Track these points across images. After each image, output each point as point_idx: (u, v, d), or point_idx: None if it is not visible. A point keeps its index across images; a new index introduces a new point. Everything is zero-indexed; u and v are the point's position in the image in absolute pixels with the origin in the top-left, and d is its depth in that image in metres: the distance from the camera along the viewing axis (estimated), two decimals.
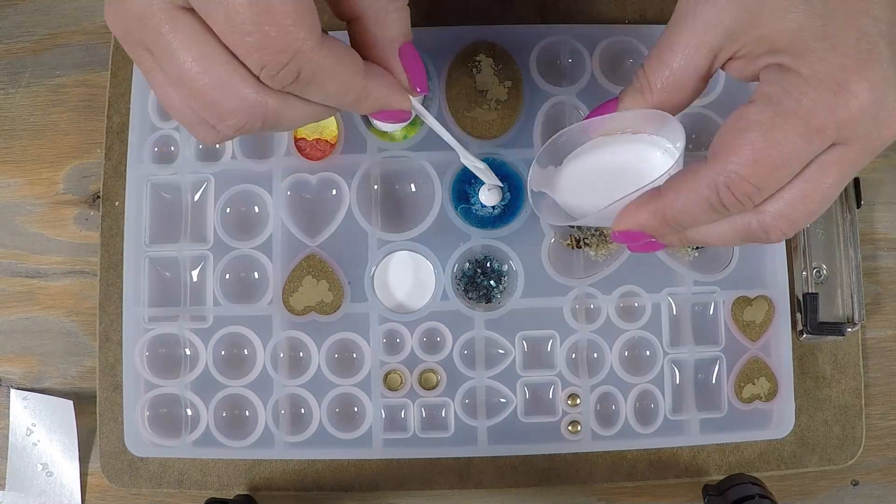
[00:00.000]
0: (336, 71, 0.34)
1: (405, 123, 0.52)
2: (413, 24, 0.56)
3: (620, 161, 0.41)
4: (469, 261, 0.54)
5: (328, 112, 0.37)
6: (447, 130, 0.45)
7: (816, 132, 0.33)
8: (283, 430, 0.53)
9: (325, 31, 0.33)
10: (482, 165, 0.48)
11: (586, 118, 0.41)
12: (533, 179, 0.43)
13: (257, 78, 0.32)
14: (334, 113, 0.38)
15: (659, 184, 0.38)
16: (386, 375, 0.54)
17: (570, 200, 0.43)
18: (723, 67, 0.37)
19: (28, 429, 0.55)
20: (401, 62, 0.38)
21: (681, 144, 0.38)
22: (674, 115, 0.38)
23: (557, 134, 0.42)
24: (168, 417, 0.54)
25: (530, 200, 0.44)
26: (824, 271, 0.54)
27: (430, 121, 0.43)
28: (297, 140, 0.53)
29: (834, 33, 0.32)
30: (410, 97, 0.39)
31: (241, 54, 0.31)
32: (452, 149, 0.54)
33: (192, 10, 0.31)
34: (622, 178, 0.40)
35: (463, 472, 0.54)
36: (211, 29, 0.31)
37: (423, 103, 0.49)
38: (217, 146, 0.55)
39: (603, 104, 0.40)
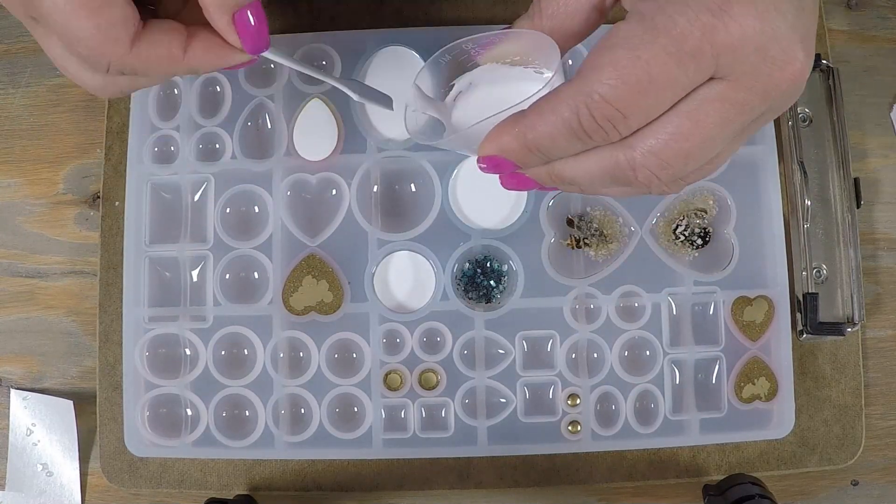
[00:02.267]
0: (151, 62, 0.36)
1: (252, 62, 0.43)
2: (412, 25, 0.56)
3: (505, 93, 0.39)
4: (469, 261, 0.54)
5: (168, 77, 0.40)
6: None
7: (690, 57, 0.30)
8: (283, 430, 0.53)
9: (151, 20, 0.36)
10: (372, 93, 0.44)
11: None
12: (413, 100, 0.40)
13: None
14: (183, 74, 0.40)
15: (524, 107, 0.34)
16: (386, 375, 0.54)
17: (456, 116, 0.40)
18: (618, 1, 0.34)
19: (28, 429, 0.55)
20: (235, 27, 0.36)
21: (555, 66, 0.35)
22: (567, 47, 0.36)
23: (441, 50, 0.39)
24: (168, 417, 0.54)
25: (405, 119, 0.40)
26: (824, 271, 0.54)
27: (292, 63, 0.40)
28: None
29: None
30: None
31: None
32: (451, 149, 0.54)
33: None
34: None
35: (463, 472, 0.54)
36: None
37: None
38: (217, 145, 0.55)
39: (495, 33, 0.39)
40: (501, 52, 0.39)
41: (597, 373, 0.53)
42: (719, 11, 0.30)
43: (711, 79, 0.31)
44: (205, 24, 0.36)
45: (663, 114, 0.32)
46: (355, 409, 0.54)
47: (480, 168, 0.36)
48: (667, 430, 0.53)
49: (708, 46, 0.30)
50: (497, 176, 0.37)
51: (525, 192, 0.54)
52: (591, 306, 0.54)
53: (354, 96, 0.43)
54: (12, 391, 0.55)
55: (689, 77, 0.30)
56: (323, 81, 0.55)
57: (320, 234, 0.54)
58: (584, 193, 0.38)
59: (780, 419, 0.53)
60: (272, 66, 0.56)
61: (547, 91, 0.33)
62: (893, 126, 0.57)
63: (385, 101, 0.45)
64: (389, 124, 0.55)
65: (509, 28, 0.38)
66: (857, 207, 0.54)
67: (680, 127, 0.31)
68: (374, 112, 0.55)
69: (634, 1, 0.32)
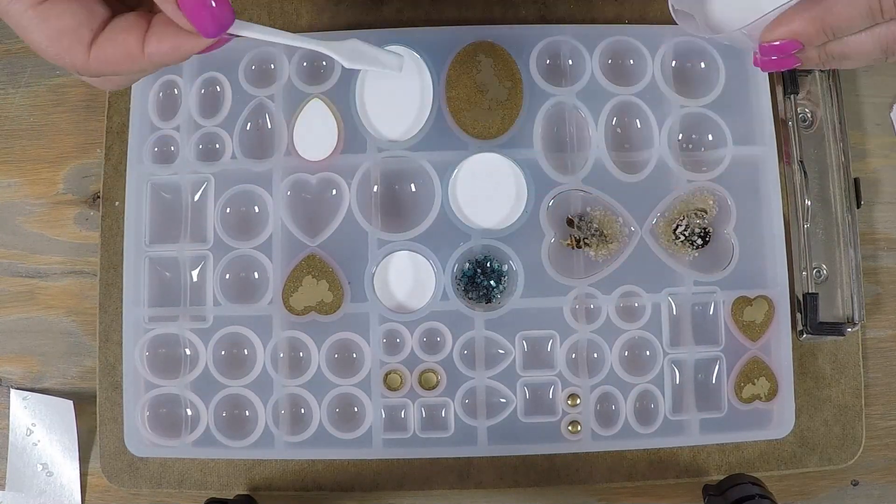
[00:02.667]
0: (111, 64, 0.36)
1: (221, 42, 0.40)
2: (413, 25, 0.56)
3: None
4: (469, 261, 0.54)
5: (144, 72, 0.39)
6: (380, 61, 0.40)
7: None
8: (283, 430, 0.53)
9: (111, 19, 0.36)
10: (372, 52, 0.41)
11: None
12: None
13: None
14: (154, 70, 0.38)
15: None
16: (386, 375, 0.54)
17: (717, 15, 0.41)
18: None
19: (28, 429, 0.55)
20: (183, 13, 0.34)
21: None
22: None
23: None
24: (168, 417, 0.54)
25: (673, 14, 0.41)
26: (824, 271, 0.54)
27: (266, 35, 0.38)
28: None
29: None
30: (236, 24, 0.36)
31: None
32: (453, 148, 0.55)
33: None
34: None
35: (463, 472, 0.54)
36: None
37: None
38: (217, 145, 0.55)
39: None
40: None
41: (597, 373, 0.53)
42: None
43: None
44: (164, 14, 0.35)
45: None
46: (355, 409, 0.54)
47: (760, 55, 0.38)
48: (667, 430, 0.53)
49: None
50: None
51: (525, 193, 0.54)
52: (591, 306, 0.54)
53: (345, 62, 0.40)
54: (12, 391, 0.55)
55: None
56: (322, 81, 0.55)
57: (320, 234, 0.54)
58: (846, 67, 0.40)
59: (780, 419, 0.53)
60: (272, 65, 0.56)
61: None
62: (893, 126, 0.57)
63: (390, 61, 0.41)
64: (390, 124, 0.55)
65: None
66: (857, 207, 0.54)
67: None
68: (375, 112, 0.55)
69: None
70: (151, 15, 0.36)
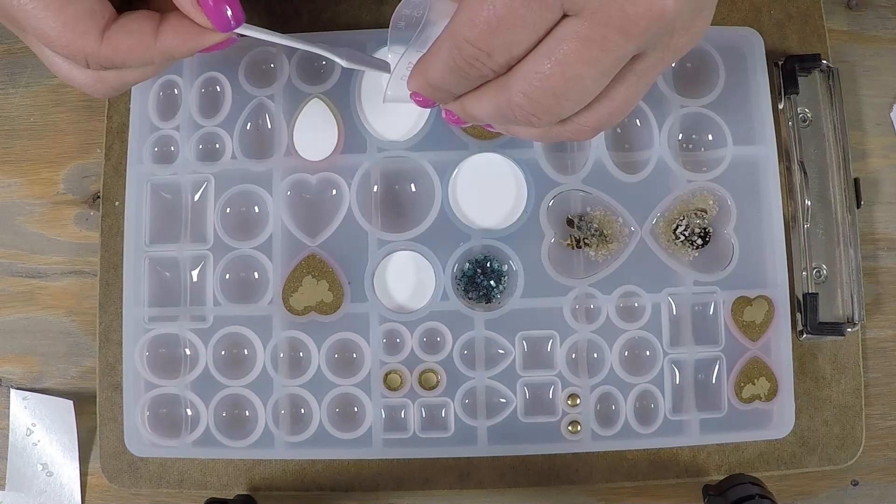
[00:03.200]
0: (124, 52, 0.36)
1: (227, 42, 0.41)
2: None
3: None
4: (469, 261, 0.54)
5: (158, 67, 0.40)
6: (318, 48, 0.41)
7: None
8: (283, 430, 0.53)
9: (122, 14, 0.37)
10: (366, 58, 0.43)
11: None
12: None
13: None
14: (166, 65, 0.40)
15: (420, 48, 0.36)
16: (386, 375, 0.54)
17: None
18: None
19: (28, 429, 0.55)
20: (201, 8, 0.36)
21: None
22: None
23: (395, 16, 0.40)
24: (168, 417, 0.54)
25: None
26: (824, 271, 0.54)
27: (271, 37, 0.39)
28: None
29: None
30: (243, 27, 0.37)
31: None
32: (453, 148, 0.54)
33: None
34: None
35: (463, 472, 0.54)
36: None
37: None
38: (217, 145, 0.55)
39: None
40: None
41: (597, 373, 0.53)
42: None
43: (567, 16, 0.31)
44: (176, 9, 0.36)
45: (529, 53, 0.32)
46: (355, 409, 0.54)
47: (415, 102, 0.38)
48: (667, 430, 0.53)
49: None
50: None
51: (525, 193, 0.54)
52: (591, 306, 0.54)
53: (343, 62, 0.42)
54: (12, 391, 0.55)
55: (537, 15, 0.31)
56: (322, 81, 0.55)
57: (320, 234, 0.54)
58: (501, 132, 0.39)
59: (780, 419, 0.53)
60: (272, 65, 0.56)
61: (422, 26, 0.36)
62: (893, 126, 0.57)
63: (381, 65, 0.43)
64: (390, 124, 0.55)
65: None
66: (858, 207, 0.54)
67: (541, 66, 0.32)
68: (375, 112, 0.55)
69: None
70: (160, 13, 0.37)
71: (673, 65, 0.56)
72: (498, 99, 0.34)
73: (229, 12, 0.35)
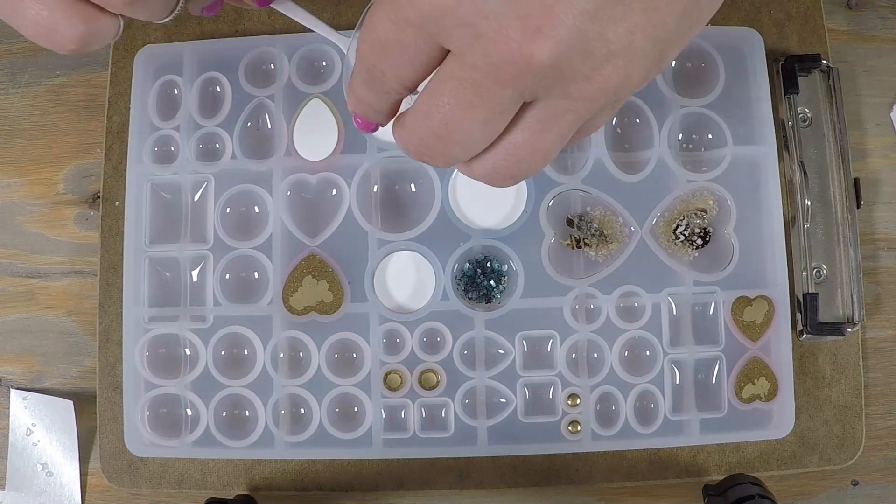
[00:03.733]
0: None
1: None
2: None
3: None
4: (469, 261, 0.54)
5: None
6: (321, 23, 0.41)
7: (404, 20, 0.28)
8: (283, 430, 0.53)
9: None
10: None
11: None
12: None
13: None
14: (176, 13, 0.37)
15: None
16: (386, 375, 0.54)
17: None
18: None
19: (28, 429, 0.55)
20: None
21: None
22: None
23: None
24: (168, 417, 0.54)
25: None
26: (824, 271, 0.54)
27: (300, 17, 0.40)
28: None
29: None
30: None
31: None
32: None
33: None
34: None
35: (463, 472, 0.54)
36: None
37: None
38: (217, 145, 0.55)
39: None
40: None
41: (597, 373, 0.53)
42: None
43: (450, 51, 0.29)
44: None
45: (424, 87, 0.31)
46: (355, 409, 0.54)
47: (355, 123, 0.36)
48: (667, 430, 0.53)
49: (413, 14, 0.28)
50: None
51: (525, 193, 0.54)
52: (591, 306, 0.54)
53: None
54: (12, 391, 0.55)
55: (414, 44, 0.29)
56: (322, 81, 0.55)
57: (320, 234, 0.54)
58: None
59: (780, 419, 0.53)
60: (272, 65, 0.56)
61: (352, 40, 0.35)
62: (893, 126, 0.57)
63: None
64: (389, 124, 0.55)
65: None
66: (857, 207, 0.54)
67: (423, 104, 0.30)
68: None
69: None
70: None
71: (673, 64, 0.56)
72: (397, 130, 0.33)
73: None
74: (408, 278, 0.54)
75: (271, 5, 0.36)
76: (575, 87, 0.29)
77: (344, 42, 0.41)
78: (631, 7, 0.27)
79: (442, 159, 0.32)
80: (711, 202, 0.55)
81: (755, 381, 0.53)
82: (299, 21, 0.39)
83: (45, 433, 0.55)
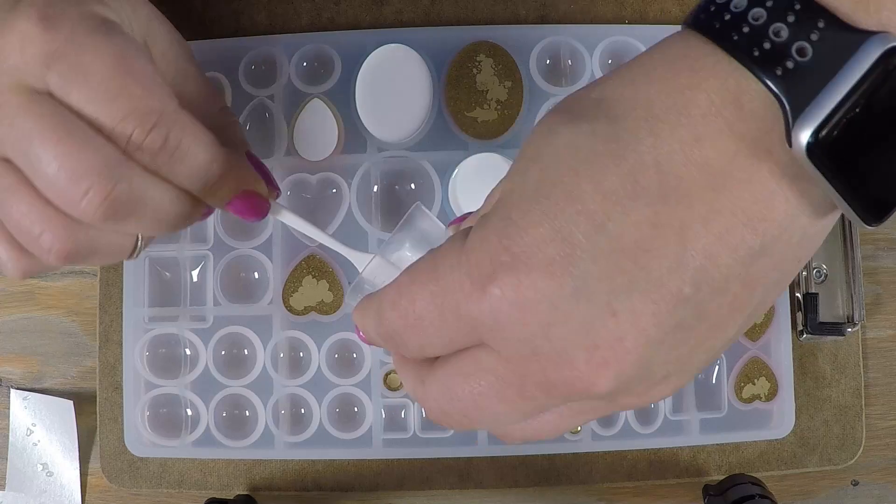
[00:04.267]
0: (200, 135, 0.33)
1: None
2: (413, 24, 0.56)
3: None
4: None
5: (188, 205, 0.35)
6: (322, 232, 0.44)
7: (452, 314, 0.27)
8: (283, 430, 0.53)
9: None
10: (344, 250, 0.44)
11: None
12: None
13: (122, 155, 0.31)
14: (197, 213, 0.37)
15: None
16: (386, 375, 0.54)
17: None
18: None
19: (28, 429, 0.55)
20: (230, 209, 0.37)
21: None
22: None
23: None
24: (168, 417, 0.54)
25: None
26: (824, 271, 0.54)
27: (296, 221, 0.42)
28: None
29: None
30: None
31: (105, 123, 0.31)
32: (453, 148, 0.54)
33: (46, 93, 0.31)
34: None
35: (463, 472, 0.54)
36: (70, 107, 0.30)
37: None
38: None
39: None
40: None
41: None
42: (482, 279, 0.25)
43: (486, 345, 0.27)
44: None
45: (447, 358, 0.29)
46: (355, 409, 0.54)
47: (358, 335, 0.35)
48: (667, 430, 0.53)
49: (465, 312, 0.26)
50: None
51: None
52: None
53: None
54: (12, 391, 0.55)
55: (454, 335, 0.27)
56: (322, 81, 0.55)
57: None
58: None
59: (780, 419, 0.53)
60: (272, 65, 0.56)
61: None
62: None
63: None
64: (390, 124, 0.55)
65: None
66: None
67: (453, 383, 0.28)
68: (375, 112, 0.55)
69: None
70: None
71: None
72: (415, 388, 0.30)
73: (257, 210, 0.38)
74: None
75: (271, 215, 0.39)
76: (623, 400, 0.28)
77: (350, 253, 0.44)
78: (697, 329, 0.26)
79: (462, 429, 0.32)
80: None
81: (755, 381, 0.53)
82: (303, 232, 0.42)
83: (45, 433, 0.55)
